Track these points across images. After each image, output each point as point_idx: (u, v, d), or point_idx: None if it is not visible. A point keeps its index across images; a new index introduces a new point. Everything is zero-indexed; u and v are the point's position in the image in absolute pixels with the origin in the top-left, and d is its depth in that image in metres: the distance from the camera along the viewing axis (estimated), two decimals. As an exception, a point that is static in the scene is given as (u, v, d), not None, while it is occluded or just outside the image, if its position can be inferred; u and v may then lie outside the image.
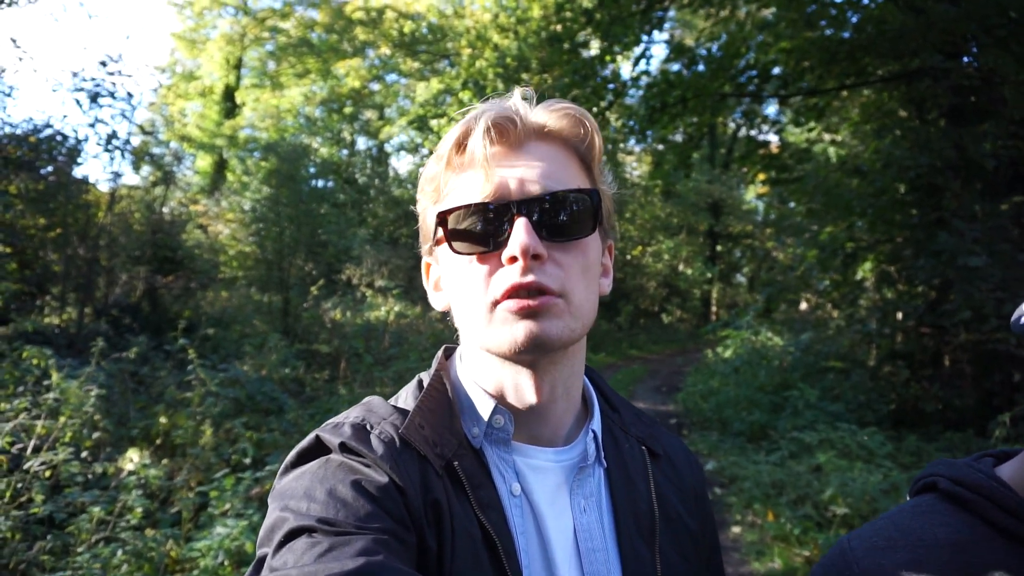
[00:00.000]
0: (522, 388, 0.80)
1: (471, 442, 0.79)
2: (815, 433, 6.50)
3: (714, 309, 26.21)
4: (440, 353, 0.90)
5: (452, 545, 0.71)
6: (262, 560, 0.66)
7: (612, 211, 0.89)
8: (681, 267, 25.53)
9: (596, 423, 0.86)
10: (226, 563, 2.98)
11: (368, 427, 0.77)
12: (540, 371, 0.79)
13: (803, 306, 13.59)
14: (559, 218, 0.77)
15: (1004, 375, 7.26)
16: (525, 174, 0.78)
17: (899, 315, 9.00)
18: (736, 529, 5.10)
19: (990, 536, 0.75)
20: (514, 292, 0.74)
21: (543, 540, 0.77)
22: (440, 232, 0.81)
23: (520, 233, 0.74)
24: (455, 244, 0.79)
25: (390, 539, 0.65)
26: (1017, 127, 7.71)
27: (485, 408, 0.80)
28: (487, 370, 0.82)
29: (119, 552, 2.87)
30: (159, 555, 3.01)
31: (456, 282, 0.81)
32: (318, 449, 0.76)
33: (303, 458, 0.76)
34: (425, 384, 0.85)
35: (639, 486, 0.86)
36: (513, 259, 0.75)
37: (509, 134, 0.78)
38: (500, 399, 0.81)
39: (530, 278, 0.74)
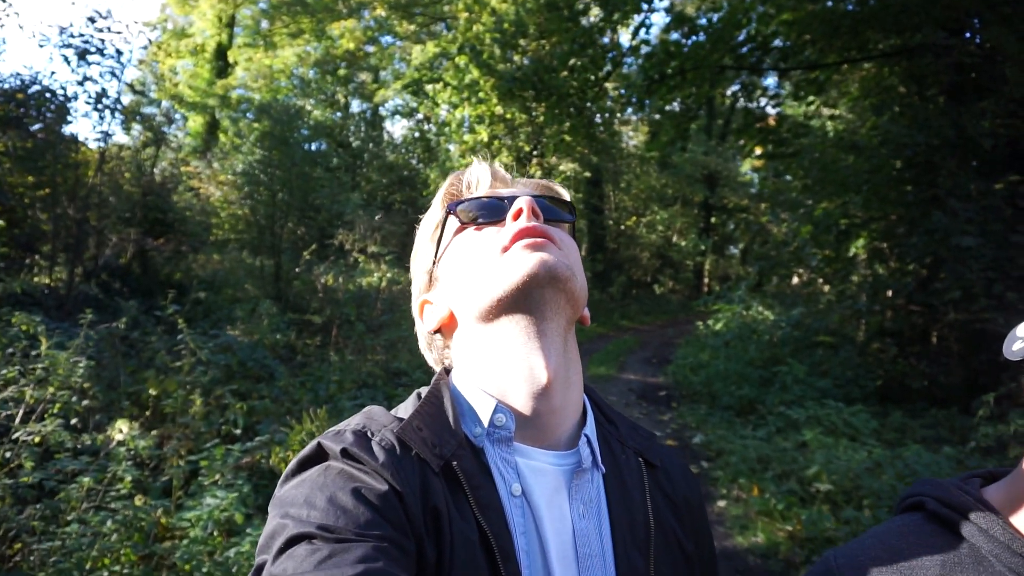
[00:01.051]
0: (533, 364, 0.80)
1: (472, 441, 0.80)
2: (802, 410, 6.57)
3: (706, 281, 26.30)
4: (440, 369, 0.91)
5: (451, 551, 0.71)
6: (261, 567, 0.66)
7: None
8: (675, 238, 25.53)
9: (590, 428, 0.87)
10: (215, 533, 3.01)
11: (369, 434, 0.77)
12: (546, 337, 0.81)
13: (795, 281, 13.64)
14: (547, 209, 0.89)
15: (991, 354, 7.33)
16: (516, 192, 0.92)
17: (889, 292, 9.05)
18: (721, 503, 5.18)
19: (976, 557, 0.75)
20: (522, 236, 0.82)
21: (542, 542, 0.77)
22: (452, 221, 0.91)
23: (523, 198, 0.85)
24: (464, 221, 0.89)
25: (390, 547, 0.65)
26: (1016, 106, 7.65)
27: (486, 409, 0.81)
28: (493, 364, 0.82)
29: (109, 521, 2.89)
30: (149, 523, 3.03)
31: (466, 252, 0.87)
32: (319, 456, 0.77)
33: (304, 465, 0.76)
34: (424, 395, 0.85)
35: (635, 496, 0.86)
36: (519, 212, 0.84)
37: (500, 173, 0.95)
38: (502, 401, 0.81)
39: (535, 223, 0.83)
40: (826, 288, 11.08)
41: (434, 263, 0.93)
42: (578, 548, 0.79)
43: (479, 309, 0.83)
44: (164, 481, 3.61)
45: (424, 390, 0.87)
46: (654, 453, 0.94)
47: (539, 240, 0.82)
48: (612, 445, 0.90)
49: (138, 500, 3.26)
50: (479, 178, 0.94)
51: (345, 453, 0.74)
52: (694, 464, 6.08)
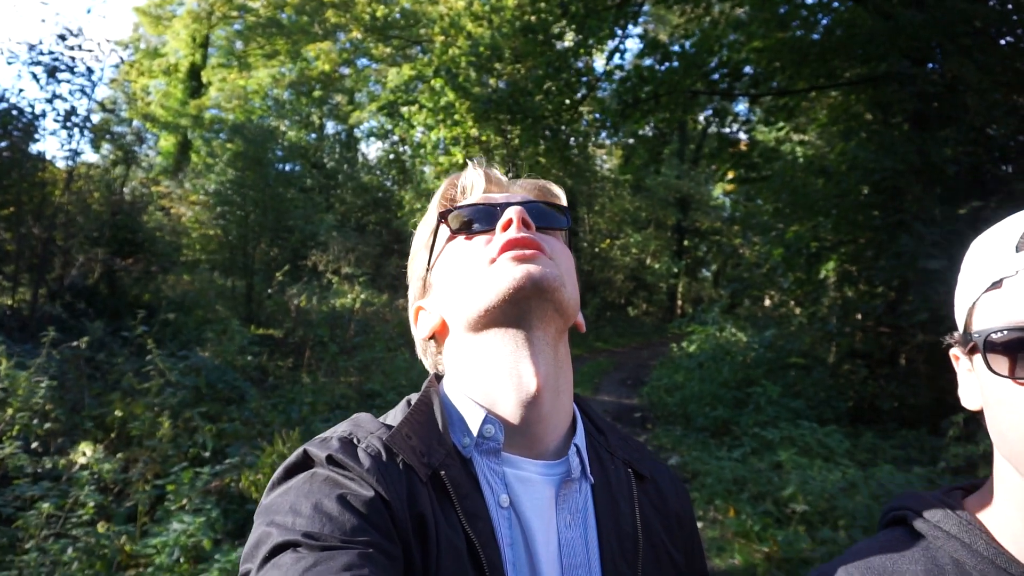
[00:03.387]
0: (522, 372, 0.80)
1: (461, 452, 0.80)
2: (777, 431, 6.60)
3: (679, 303, 26.49)
4: (431, 376, 0.91)
5: (437, 558, 0.70)
6: None
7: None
8: (648, 261, 25.73)
9: (580, 438, 0.86)
10: (182, 560, 2.90)
11: (355, 441, 0.77)
12: (535, 346, 0.80)
13: (767, 303, 13.81)
14: (541, 215, 0.89)
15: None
16: (512, 196, 0.92)
17: (858, 315, 9.19)
18: (698, 525, 5.16)
19: (961, 573, 0.74)
20: (511, 247, 0.81)
21: (530, 553, 0.77)
22: (443, 229, 0.90)
23: (513, 207, 0.84)
24: (455, 229, 0.88)
25: (376, 553, 0.65)
26: (977, 134, 7.89)
27: (475, 419, 0.81)
28: (482, 372, 0.82)
29: (70, 549, 2.77)
30: (112, 551, 2.92)
31: (456, 262, 0.87)
32: (305, 463, 0.76)
33: (290, 473, 0.76)
34: (413, 402, 0.85)
35: (623, 507, 0.86)
36: (508, 223, 0.83)
37: (494, 175, 0.95)
38: (491, 411, 0.81)
39: (525, 234, 0.82)
40: (797, 310, 11.22)
41: (427, 270, 0.93)
42: (563, 558, 0.78)
43: (468, 318, 0.83)
44: (129, 507, 3.49)
45: (414, 397, 0.87)
46: (644, 465, 0.94)
47: (527, 252, 0.81)
48: (601, 456, 0.89)
49: (101, 527, 3.14)
50: (473, 182, 0.93)
51: (331, 460, 0.74)
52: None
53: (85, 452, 3.29)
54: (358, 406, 7.40)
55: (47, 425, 3.79)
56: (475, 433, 0.80)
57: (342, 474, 0.72)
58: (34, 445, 3.55)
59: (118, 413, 4.50)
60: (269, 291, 11.97)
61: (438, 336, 0.92)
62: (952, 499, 0.80)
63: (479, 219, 0.88)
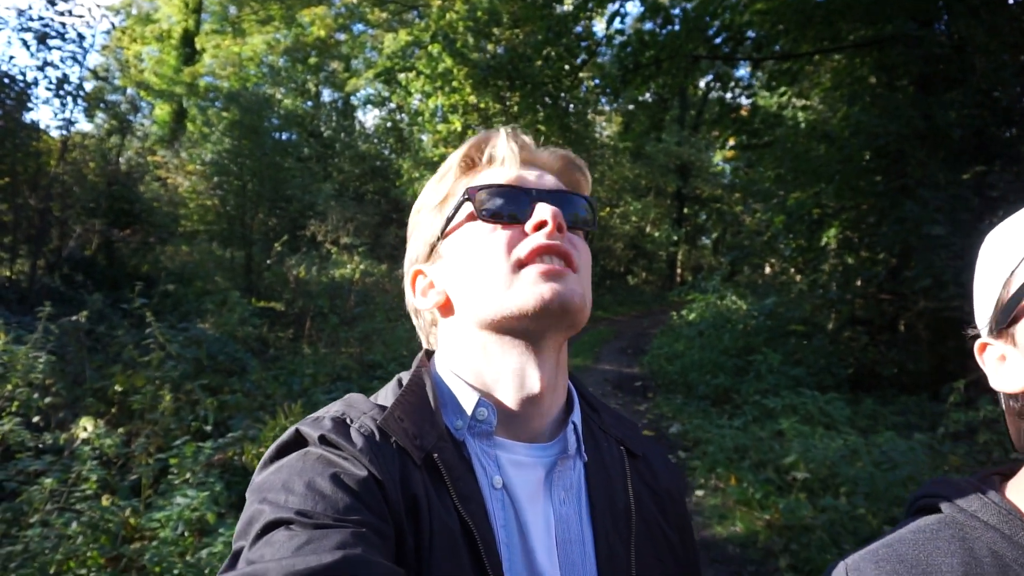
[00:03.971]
0: (527, 376, 0.81)
1: (453, 434, 0.79)
2: (778, 399, 6.61)
3: (679, 271, 26.47)
4: (421, 354, 0.90)
5: (430, 538, 0.70)
6: (238, 553, 0.65)
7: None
8: (648, 229, 25.63)
9: (576, 415, 0.86)
10: (186, 534, 2.91)
11: (348, 421, 0.77)
12: (543, 354, 0.81)
13: (767, 270, 13.78)
14: (571, 212, 0.85)
15: (958, 341, 7.46)
16: (544, 175, 0.87)
17: (859, 281, 9.16)
18: (699, 493, 5.19)
19: (1000, 566, 0.70)
20: (541, 253, 0.79)
21: (524, 533, 0.77)
22: (467, 206, 0.84)
23: (547, 206, 0.81)
24: (481, 213, 0.83)
25: (368, 532, 0.64)
26: (983, 97, 7.77)
27: (468, 401, 0.81)
28: (484, 365, 0.82)
29: (74, 523, 2.78)
30: (116, 524, 2.93)
31: (476, 250, 0.83)
32: (297, 443, 0.76)
33: (282, 452, 0.76)
34: (405, 382, 0.84)
35: (616, 484, 0.86)
36: (542, 224, 0.80)
37: (527, 145, 0.88)
38: (484, 394, 0.81)
39: (558, 241, 0.80)
40: (798, 277, 11.20)
41: (440, 238, 0.88)
42: (557, 533, 0.79)
43: (481, 317, 0.81)
44: (132, 480, 3.49)
45: (405, 376, 0.86)
46: (636, 443, 0.94)
47: (557, 268, 0.79)
48: (595, 433, 0.90)
49: (105, 500, 3.15)
50: (504, 157, 0.86)
51: (324, 439, 0.74)
52: (672, 454, 6.09)
53: (86, 427, 3.29)
54: (359, 377, 7.41)
55: (48, 399, 3.77)
56: (468, 415, 0.80)
57: (335, 453, 0.72)
58: (35, 419, 3.54)
59: (119, 388, 4.48)
60: (268, 261, 11.93)
61: (439, 310, 0.89)
62: (989, 486, 0.76)
63: (509, 206, 0.83)
